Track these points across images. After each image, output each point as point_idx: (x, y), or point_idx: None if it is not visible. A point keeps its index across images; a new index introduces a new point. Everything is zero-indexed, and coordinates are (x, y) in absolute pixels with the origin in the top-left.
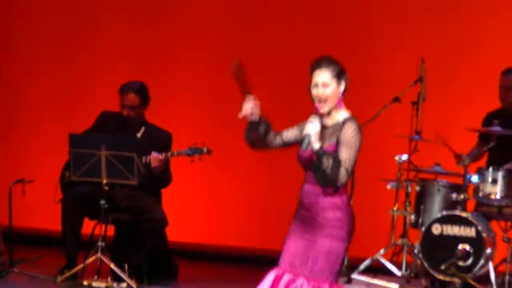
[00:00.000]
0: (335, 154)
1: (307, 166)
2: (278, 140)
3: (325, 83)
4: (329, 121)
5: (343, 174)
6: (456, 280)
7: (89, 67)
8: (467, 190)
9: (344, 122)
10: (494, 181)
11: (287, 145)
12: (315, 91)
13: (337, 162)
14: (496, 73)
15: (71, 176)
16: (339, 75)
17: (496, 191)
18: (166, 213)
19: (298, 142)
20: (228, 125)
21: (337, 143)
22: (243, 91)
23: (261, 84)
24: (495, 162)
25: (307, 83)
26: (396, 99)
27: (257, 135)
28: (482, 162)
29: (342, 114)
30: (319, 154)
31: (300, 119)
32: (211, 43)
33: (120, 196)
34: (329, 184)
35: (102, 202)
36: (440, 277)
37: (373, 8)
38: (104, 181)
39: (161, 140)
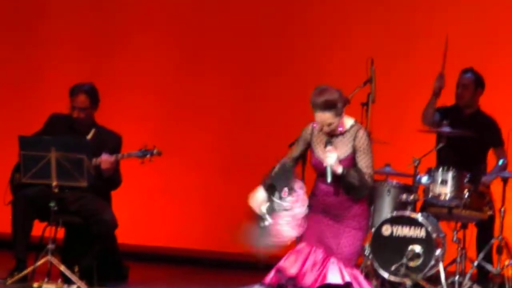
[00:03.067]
0: (356, 168)
1: (322, 173)
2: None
3: (329, 123)
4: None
5: (369, 181)
6: (407, 280)
7: (37, 69)
8: (417, 191)
9: (354, 130)
10: (444, 182)
11: (298, 161)
12: (320, 127)
13: (361, 174)
14: (446, 74)
15: (21, 178)
16: (340, 109)
17: (446, 192)
18: (116, 215)
19: (306, 151)
20: (179, 126)
21: (353, 152)
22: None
23: (214, 75)
24: (445, 162)
25: (263, 79)
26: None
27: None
28: (432, 163)
29: (347, 122)
30: (345, 175)
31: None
32: (161, 42)
33: (70, 198)
34: (361, 194)
35: (52, 204)
36: (391, 278)
37: (322, 8)
38: (54, 183)
39: (111, 142)
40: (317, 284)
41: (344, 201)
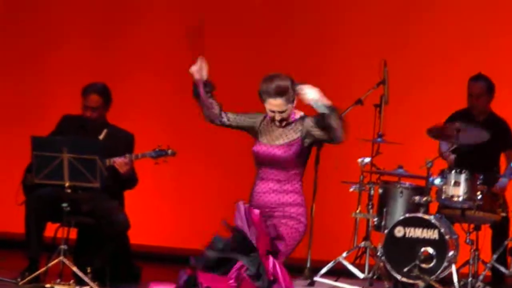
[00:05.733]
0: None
1: (264, 161)
2: (224, 118)
3: (281, 110)
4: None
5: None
6: (419, 282)
7: (50, 70)
8: (429, 192)
9: (302, 118)
10: (457, 184)
11: (234, 127)
12: (272, 114)
13: (342, 118)
14: (458, 75)
15: (33, 178)
16: (292, 96)
17: (459, 194)
18: (129, 216)
19: (247, 130)
20: (190, 127)
21: (302, 136)
22: (196, 51)
23: (222, 75)
24: (458, 164)
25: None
26: (359, 102)
27: (201, 96)
28: (445, 164)
29: (298, 113)
30: (333, 109)
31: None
32: (173, 44)
33: (83, 199)
34: (342, 135)
35: (64, 205)
36: (403, 279)
37: (335, 9)
38: (67, 184)
39: (123, 141)
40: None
41: (282, 194)
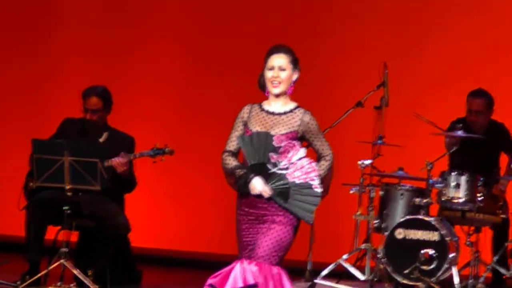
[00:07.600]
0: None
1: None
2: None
3: (281, 66)
4: (278, 109)
5: (331, 157)
6: (420, 284)
7: (50, 71)
8: (430, 194)
9: (299, 112)
10: (457, 186)
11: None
12: (270, 73)
13: (325, 169)
14: (458, 78)
15: (34, 181)
16: (295, 62)
17: (459, 196)
18: (129, 219)
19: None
20: (192, 127)
21: (297, 132)
22: None
23: (226, 81)
24: (458, 166)
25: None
26: (359, 104)
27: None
28: (445, 166)
29: (291, 104)
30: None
31: None
32: (174, 45)
33: (83, 202)
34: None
35: (65, 208)
36: (404, 281)
37: (335, 11)
38: (67, 187)
39: (124, 144)
40: None
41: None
